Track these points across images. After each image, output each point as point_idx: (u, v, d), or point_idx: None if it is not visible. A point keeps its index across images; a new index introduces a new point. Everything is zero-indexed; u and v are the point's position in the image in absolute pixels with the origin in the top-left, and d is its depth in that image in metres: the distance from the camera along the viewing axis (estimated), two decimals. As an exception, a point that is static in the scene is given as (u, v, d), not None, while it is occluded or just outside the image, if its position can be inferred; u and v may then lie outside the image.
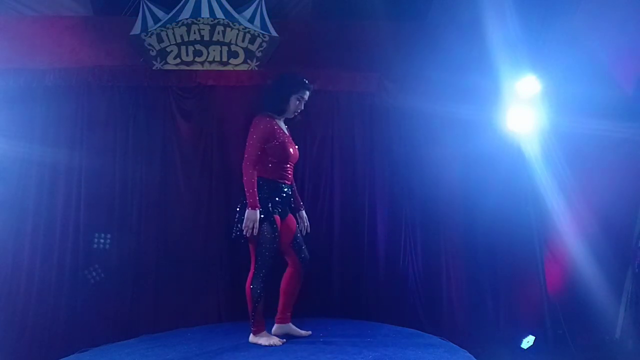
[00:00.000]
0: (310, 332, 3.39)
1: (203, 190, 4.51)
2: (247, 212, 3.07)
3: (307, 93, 3.30)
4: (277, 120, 3.27)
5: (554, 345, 4.34)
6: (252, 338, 3.23)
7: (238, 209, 3.25)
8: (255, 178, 3.12)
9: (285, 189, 3.29)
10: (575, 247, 4.40)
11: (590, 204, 4.48)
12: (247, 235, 3.09)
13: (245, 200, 3.14)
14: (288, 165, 3.28)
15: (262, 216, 3.12)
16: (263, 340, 3.18)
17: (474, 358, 2.96)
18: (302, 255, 3.36)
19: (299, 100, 3.28)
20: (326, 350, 2.99)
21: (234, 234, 3.28)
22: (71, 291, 4.26)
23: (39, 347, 4.11)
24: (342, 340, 3.19)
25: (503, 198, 4.59)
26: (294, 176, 3.44)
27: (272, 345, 3.14)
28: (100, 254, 4.33)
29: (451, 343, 3.26)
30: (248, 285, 3.20)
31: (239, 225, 3.19)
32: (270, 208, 3.16)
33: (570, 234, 4.44)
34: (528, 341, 4.34)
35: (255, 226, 3.06)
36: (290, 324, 3.36)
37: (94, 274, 4.30)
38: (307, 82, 3.29)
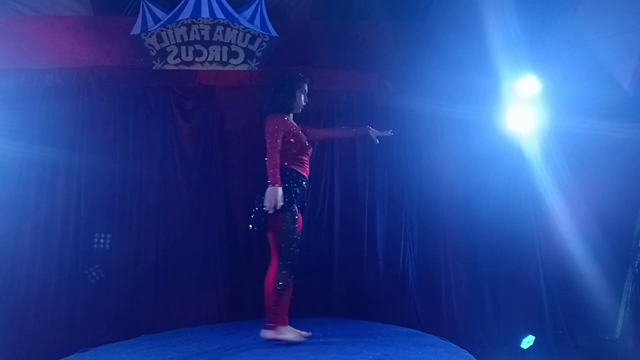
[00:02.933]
0: (310, 334, 3.38)
1: (203, 190, 4.51)
2: (269, 188, 3.10)
3: (306, 85, 3.45)
4: (287, 118, 3.37)
5: (554, 345, 4.34)
6: (269, 334, 3.16)
7: (257, 199, 3.25)
8: (279, 160, 3.17)
9: (304, 183, 3.33)
10: (575, 247, 4.40)
11: (590, 204, 4.48)
12: (270, 211, 3.09)
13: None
14: (305, 158, 3.36)
15: (284, 205, 3.14)
16: (288, 335, 3.15)
17: (474, 358, 2.96)
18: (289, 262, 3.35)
19: (303, 94, 3.42)
20: (326, 350, 2.98)
21: (251, 225, 3.29)
22: (71, 291, 4.26)
23: (39, 347, 4.11)
24: (342, 340, 3.19)
25: (503, 198, 4.60)
26: None
27: (296, 341, 3.12)
28: (100, 254, 4.33)
29: (451, 343, 3.26)
30: (270, 278, 3.20)
31: (252, 216, 3.23)
32: (293, 197, 3.20)
33: (570, 234, 4.44)
34: (528, 341, 4.34)
35: (278, 203, 3.08)
36: (289, 327, 3.34)
37: (94, 273, 4.30)
38: (302, 75, 3.48)
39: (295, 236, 3.21)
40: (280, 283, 3.13)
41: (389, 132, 3.56)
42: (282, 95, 3.36)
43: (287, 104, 3.37)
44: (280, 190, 3.11)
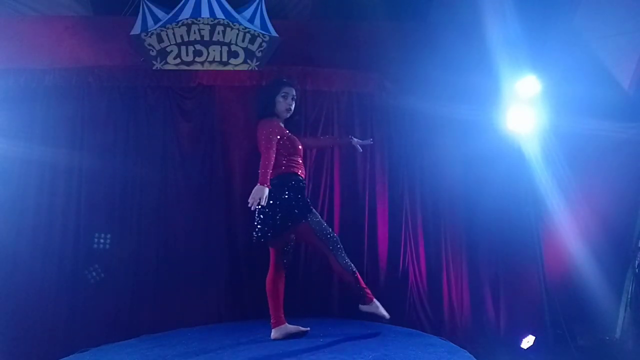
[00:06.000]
0: (309, 328, 3.40)
1: (203, 190, 4.50)
2: (257, 187, 3.11)
3: (291, 89, 3.44)
4: (279, 122, 3.40)
5: (554, 345, 4.34)
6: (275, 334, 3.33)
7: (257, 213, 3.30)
8: (273, 161, 3.20)
9: (303, 183, 3.37)
10: (575, 247, 4.40)
11: (590, 204, 4.48)
12: (252, 208, 3.12)
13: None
14: (299, 159, 3.40)
15: (300, 215, 3.23)
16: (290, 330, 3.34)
17: (474, 358, 2.95)
18: (284, 260, 3.42)
19: (284, 98, 3.40)
20: (326, 350, 2.98)
21: (254, 238, 3.33)
22: (71, 291, 4.25)
23: (39, 347, 4.11)
24: (342, 340, 3.18)
25: (503, 198, 4.59)
26: None
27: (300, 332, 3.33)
28: (100, 254, 4.33)
29: (451, 343, 3.25)
30: (269, 281, 3.40)
31: (258, 228, 3.28)
32: (298, 212, 3.24)
33: (570, 234, 4.44)
34: (528, 341, 4.34)
35: (261, 202, 3.09)
36: (287, 325, 3.36)
37: (94, 274, 4.30)
38: (285, 80, 3.50)
39: (326, 227, 3.31)
40: (351, 265, 3.33)
41: (369, 141, 3.89)
42: (262, 101, 3.40)
43: (267, 109, 3.38)
44: (267, 190, 3.11)
